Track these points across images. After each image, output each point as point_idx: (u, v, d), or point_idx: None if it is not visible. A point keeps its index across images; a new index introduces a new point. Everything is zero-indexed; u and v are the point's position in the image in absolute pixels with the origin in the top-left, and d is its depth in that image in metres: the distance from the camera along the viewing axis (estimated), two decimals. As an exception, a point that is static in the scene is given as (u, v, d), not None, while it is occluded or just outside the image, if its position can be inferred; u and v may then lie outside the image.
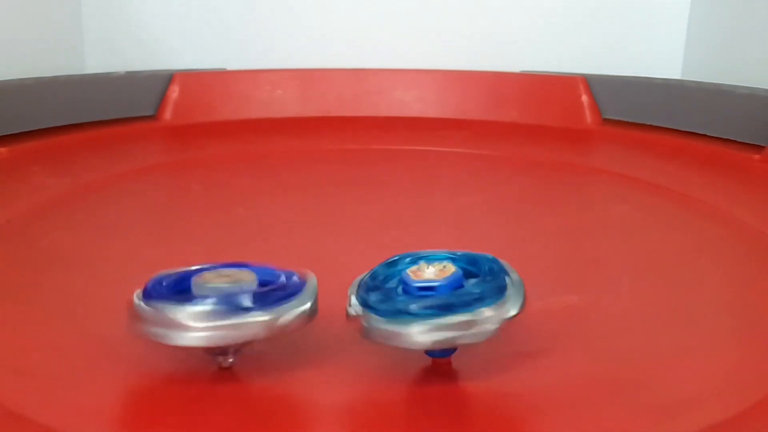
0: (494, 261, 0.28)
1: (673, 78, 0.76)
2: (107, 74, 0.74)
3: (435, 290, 0.26)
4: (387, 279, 0.27)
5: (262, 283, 0.26)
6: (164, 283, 0.26)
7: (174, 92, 0.75)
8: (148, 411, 0.25)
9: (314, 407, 0.25)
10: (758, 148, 0.61)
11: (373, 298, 0.25)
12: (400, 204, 0.51)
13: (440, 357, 0.27)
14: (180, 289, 0.25)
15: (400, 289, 0.26)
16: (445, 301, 0.25)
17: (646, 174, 0.57)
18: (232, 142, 0.69)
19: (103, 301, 0.34)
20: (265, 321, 0.24)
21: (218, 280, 0.25)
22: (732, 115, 0.65)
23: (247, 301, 0.24)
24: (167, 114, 0.74)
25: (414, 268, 0.27)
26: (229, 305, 0.24)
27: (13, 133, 0.61)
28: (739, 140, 0.64)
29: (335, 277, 0.28)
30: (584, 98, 0.76)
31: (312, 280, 0.26)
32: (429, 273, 0.26)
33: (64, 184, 0.52)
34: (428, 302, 0.25)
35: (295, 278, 0.26)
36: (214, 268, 0.26)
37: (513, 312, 0.25)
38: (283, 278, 0.26)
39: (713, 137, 0.66)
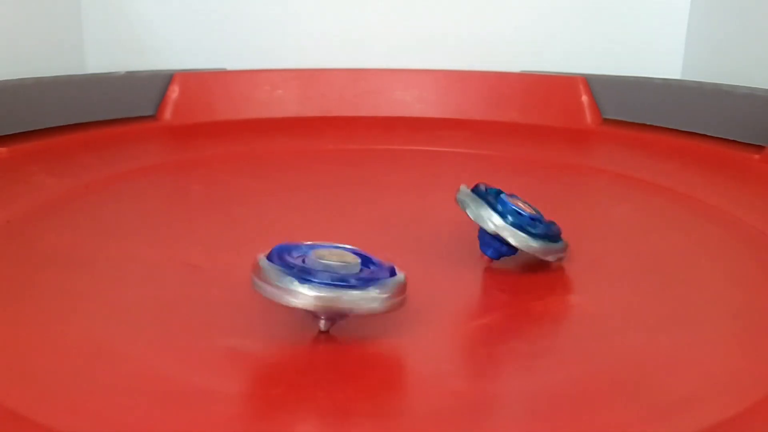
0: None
1: (673, 78, 0.76)
2: (107, 74, 0.74)
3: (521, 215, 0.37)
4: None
5: (364, 267, 0.30)
6: (285, 253, 0.30)
7: (174, 92, 0.74)
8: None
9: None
10: (758, 148, 0.61)
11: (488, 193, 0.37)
12: (400, 204, 0.51)
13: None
14: (296, 259, 0.30)
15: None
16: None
17: (646, 174, 0.57)
18: (232, 142, 0.69)
19: (103, 301, 0.34)
20: (365, 299, 0.28)
21: (330, 258, 0.29)
22: (732, 115, 0.65)
23: (352, 280, 0.28)
24: (167, 114, 0.74)
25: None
26: (338, 281, 0.28)
27: (13, 133, 0.61)
28: (739, 140, 0.64)
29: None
30: (584, 98, 0.76)
31: (402, 274, 0.30)
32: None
33: (64, 184, 0.52)
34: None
35: (391, 266, 0.30)
36: (327, 246, 0.30)
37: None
38: (382, 267, 0.30)
39: (713, 137, 0.66)
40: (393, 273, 0.30)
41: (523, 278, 0.38)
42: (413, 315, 0.34)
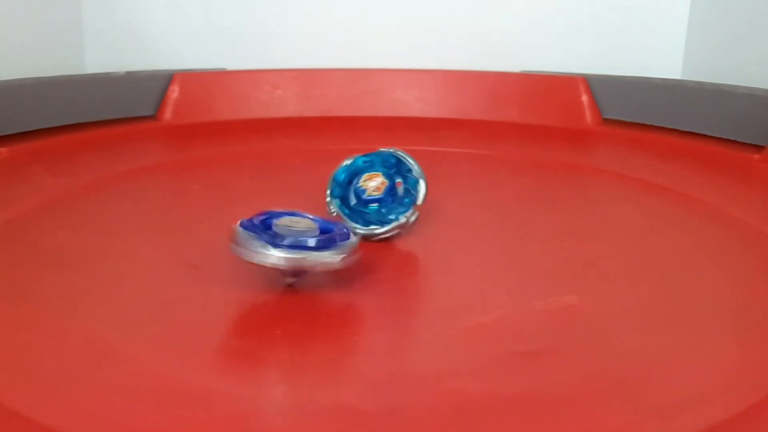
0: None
1: (673, 78, 0.76)
2: (107, 74, 0.74)
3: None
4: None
5: (322, 231, 0.35)
6: (255, 221, 0.34)
7: (174, 92, 0.75)
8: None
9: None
10: (758, 148, 0.61)
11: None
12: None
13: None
14: (266, 226, 0.34)
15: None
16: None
17: (646, 174, 0.57)
18: (232, 142, 0.69)
19: (103, 301, 0.34)
20: (325, 258, 0.33)
21: (293, 225, 0.34)
22: (732, 115, 0.65)
23: (311, 243, 0.33)
24: (167, 114, 0.74)
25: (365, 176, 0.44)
26: (299, 244, 0.33)
27: (13, 133, 0.61)
28: (739, 140, 0.64)
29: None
30: (584, 98, 0.76)
31: (355, 238, 0.35)
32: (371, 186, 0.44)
33: (64, 184, 0.52)
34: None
35: (345, 230, 0.36)
36: (291, 215, 0.36)
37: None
38: (336, 230, 0.35)
39: (713, 137, 0.66)
40: (347, 236, 0.35)
41: (523, 278, 0.39)
42: (411, 314, 0.34)
